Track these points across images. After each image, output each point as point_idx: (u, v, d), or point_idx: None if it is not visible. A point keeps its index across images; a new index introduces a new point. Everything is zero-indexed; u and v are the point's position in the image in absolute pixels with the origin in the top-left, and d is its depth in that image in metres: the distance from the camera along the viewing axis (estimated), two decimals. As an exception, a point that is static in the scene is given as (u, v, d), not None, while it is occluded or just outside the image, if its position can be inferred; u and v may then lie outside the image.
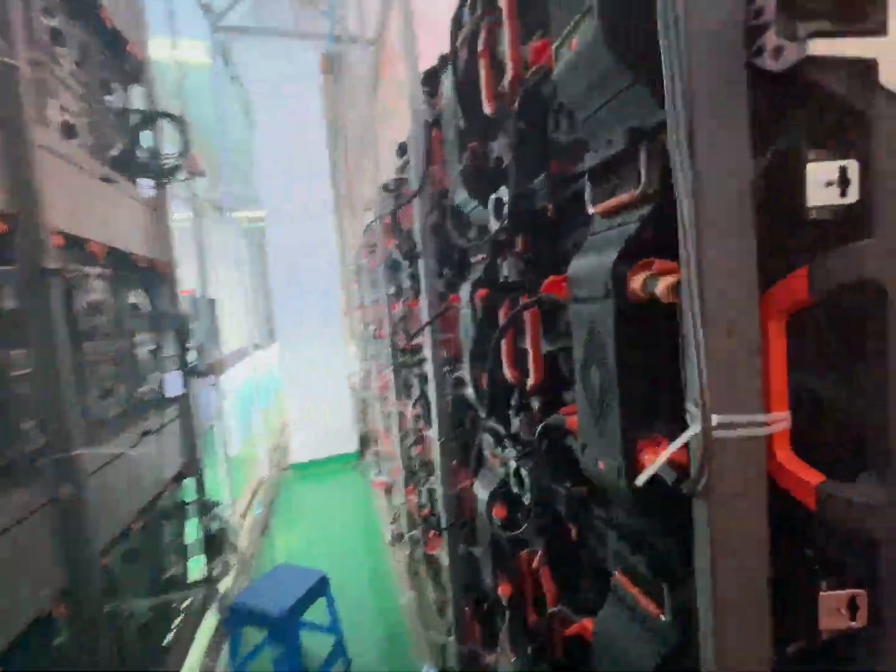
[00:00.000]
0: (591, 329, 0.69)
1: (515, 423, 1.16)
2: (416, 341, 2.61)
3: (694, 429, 0.43)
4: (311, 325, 5.51)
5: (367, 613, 2.93)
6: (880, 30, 0.35)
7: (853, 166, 0.38)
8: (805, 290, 0.40)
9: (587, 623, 0.84)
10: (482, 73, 1.09)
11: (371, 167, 3.34)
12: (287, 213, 5.38)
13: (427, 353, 1.75)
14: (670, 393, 0.62)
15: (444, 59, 1.58)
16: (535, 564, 1.08)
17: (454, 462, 1.81)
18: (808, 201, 0.38)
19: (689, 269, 0.41)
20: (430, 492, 2.45)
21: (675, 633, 0.66)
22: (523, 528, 1.02)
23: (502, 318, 1.15)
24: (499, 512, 1.31)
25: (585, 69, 0.66)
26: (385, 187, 3.04)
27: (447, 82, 1.34)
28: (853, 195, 0.37)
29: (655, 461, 0.53)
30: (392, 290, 3.12)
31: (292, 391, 5.57)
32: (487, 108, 1.09)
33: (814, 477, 0.40)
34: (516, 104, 0.88)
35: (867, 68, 0.36)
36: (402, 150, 2.39)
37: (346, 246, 6.69)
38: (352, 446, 5.83)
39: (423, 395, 2.46)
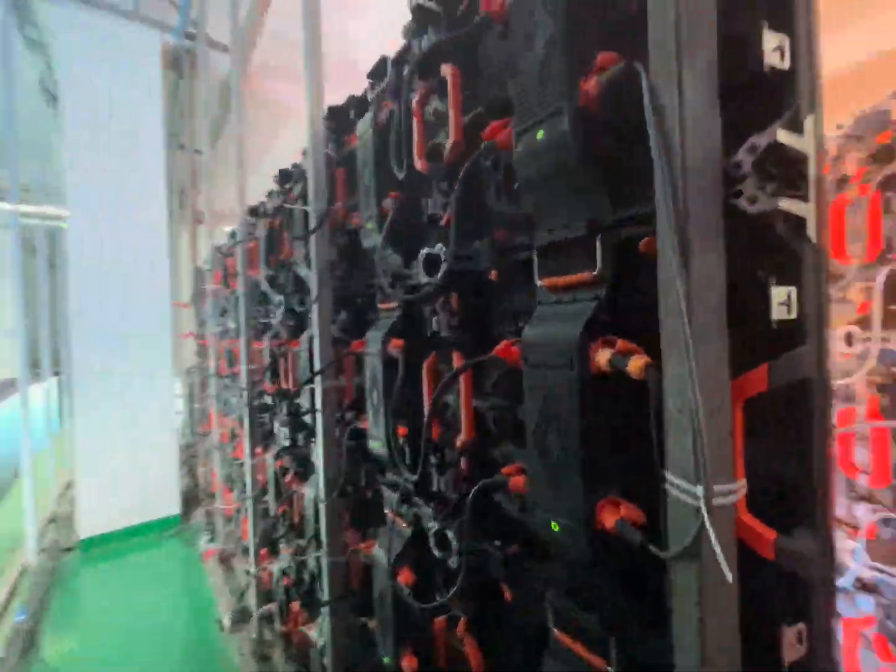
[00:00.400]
0: (550, 395, 0.74)
1: (436, 481, 1.12)
2: (280, 384, 2.34)
3: (691, 503, 0.49)
4: (125, 354, 4.42)
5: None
6: (807, 197, 0.50)
7: (794, 292, 0.51)
8: (765, 381, 0.51)
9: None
10: (415, 130, 1.11)
11: (234, 186, 2.97)
12: (101, 216, 4.33)
13: (317, 400, 1.58)
14: (625, 457, 0.69)
15: (355, 100, 1.56)
16: (459, 631, 1.03)
17: (343, 524, 1.64)
18: (772, 315, 0.50)
19: (686, 362, 0.48)
20: (300, 558, 2.15)
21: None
22: (451, 593, 0.97)
23: (426, 371, 1.13)
24: (406, 577, 1.22)
25: (548, 160, 0.73)
26: (254, 211, 2.75)
27: (364, 127, 1.31)
28: (794, 313, 0.51)
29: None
30: (253, 325, 2.77)
31: (87, 439, 4.29)
32: (419, 165, 1.11)
33: (770, 533, 0.50)
34: (463, 171, 0.92)
35: (800, 223, 0.50)
36: (285, 176, 2.22)
37: (181, 265, 5.71)
38: (172, 508, 4.74)
39: (294, 446, 2.20)
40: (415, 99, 1.10)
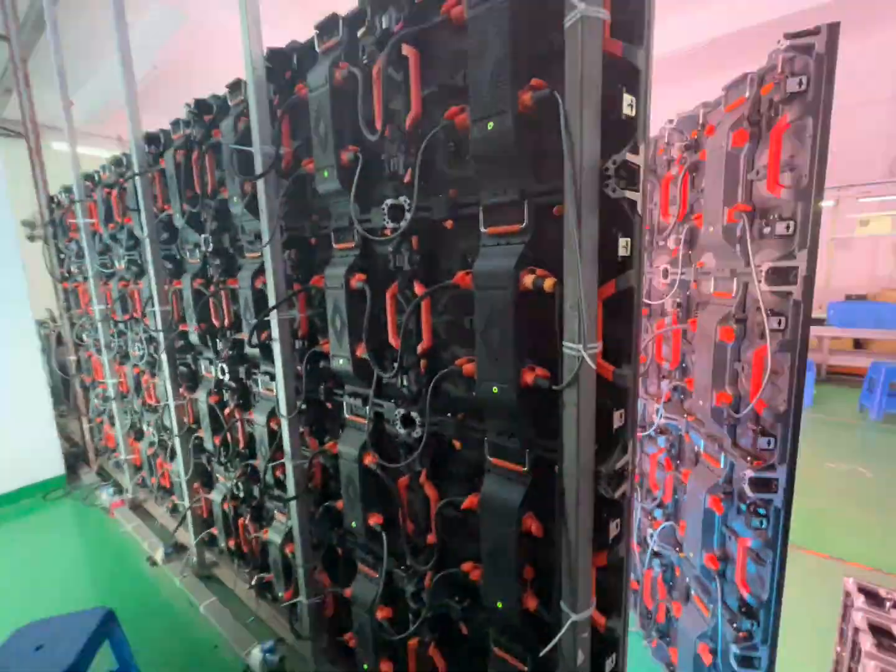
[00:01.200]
0: (493, 306, 1.13)
1: (401, 380, 1.48)
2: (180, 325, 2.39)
3: (577, 355, 0.93)
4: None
5: (158, 644, 2.49)
6: (638, 190, 0.93)
7: (629, 241, 0.95)
8: (613, 288, 0.96)
9: (473, 498, 1.30)
10: (375, 94, 1.32)
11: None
12: None
13: (275, 333, 1.76)
14: (537, 341, 1.13)
15: (299, 47, 1.63)
16: (421, 480, 1.46)
17: (302, 433, 1.92)
18: (619, 253, 0.94)
19: (578, 280, 0.90)
20: (251, 473, 2.38)
21: (530, 475, 1.20)
22: (415, 454, 1.37)
23: (389, 297, 1.44)
24: (371, 458, 1.60)
25: (495, 144, 1.07)
26: (154, 139, 2.54)
27: (318, 80, 1.45)
28: (628, 252, 0.95)
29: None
30: (164, 265, 2.64)
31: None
32: (378, 125, 1.34)
33: (611, 367, 0.98)
34: (426, 140, 1.19)
35: (633, 204, 0.93)
36: (203, 107, 2.13)
37: (20, 192, 4.68)
38: (55, 468, 4.32)
39: (236, 380, 2.33)
40: (375, 69, 1.30)
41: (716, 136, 1.56)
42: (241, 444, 2.38)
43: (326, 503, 1.88)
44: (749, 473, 1.43)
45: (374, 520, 1.64)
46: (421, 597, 1.55)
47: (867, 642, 1.59)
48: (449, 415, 1.39)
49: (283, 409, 1.83)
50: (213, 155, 2.14)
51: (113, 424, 3.94)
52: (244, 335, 2.08)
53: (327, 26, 1.47)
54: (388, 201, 1.33)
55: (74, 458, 4.75)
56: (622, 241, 0.96)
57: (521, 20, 0.97)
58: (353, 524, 1.71)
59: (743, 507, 1.51)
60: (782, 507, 1.40)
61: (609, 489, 1.01)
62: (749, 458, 1.48)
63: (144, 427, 3.56)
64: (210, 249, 2.21)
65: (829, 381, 7.33)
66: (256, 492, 2.37)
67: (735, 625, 1.58)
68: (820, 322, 7.23)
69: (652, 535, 2.17)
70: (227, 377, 2.33)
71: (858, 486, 4.08)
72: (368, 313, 1.42)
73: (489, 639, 1.37)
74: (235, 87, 1.90)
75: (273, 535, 2.19)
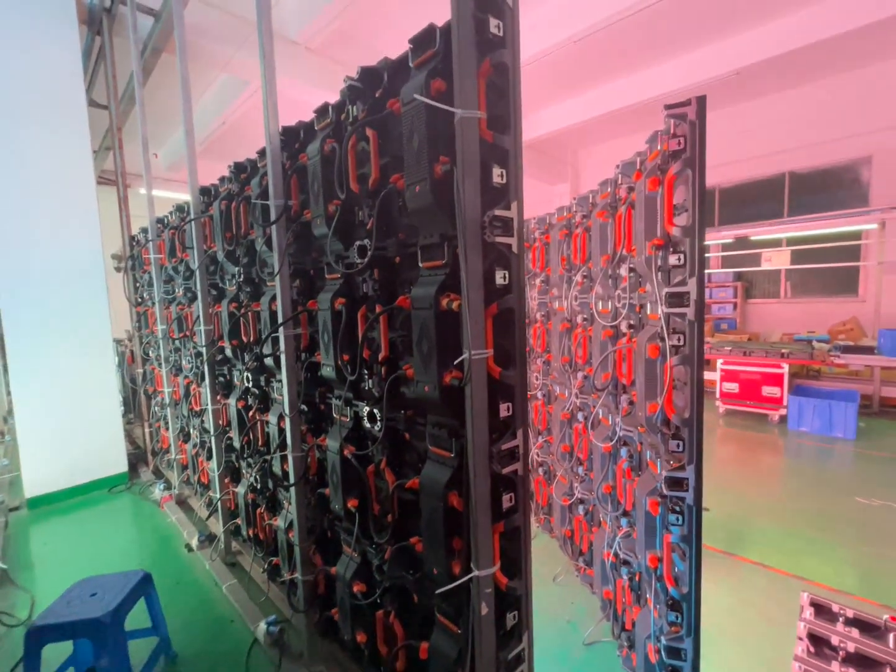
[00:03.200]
0: (422, 323, 1.46)
1: (368, 384, 1.82)
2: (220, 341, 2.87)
3: (473, 356, 1.24)
4: (62, 322, 4.54)
5: (185, 615, 2.91)
6: (512, 234, 1.24)
7: (506, 273, 1.26)
8: (496, 308, 1.26)
9: (415, 480, 1.59)
10: (349, 162, 1.74)
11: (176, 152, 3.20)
12: (24, 179, 4.30)
13: (280, 345, 2.19)
14: (452, 350, 1.44)
15: (305, 126, 2.11)
16: (382, 467, 1.77)
17: (303, 431, 2.30)
18: (496, 281, 1.25)
19: (465, 300, 1.22)
20: (267, 466, 2.79)
21: (456, 459, 1.49)
22: (376, 443, 1.70)
23: (360, 317, 1.82)
24: (349, 449, 1.94)
25: (421, 201, 1.42)
26: (206, 192, 3.14)
27: (314, 151, 1.90)
28: (506, 281, 1.26)
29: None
30: (209, 291, 3.21)
31: (28, 403, 4.42)
32: (352, 186, 1.74)
33: (497, 369, 1.27)
34: (380, 198, 1.58)
35: (509, 245, 1.24)
36: (240, 168, 2.68)
37: (108, 230, 5.65)
38: (120, 466, 5.02)
39: (259, 387, 2.78)
40: (350, 144, 1.72)
41: (640, 182, 1.83)
42: (261, 442, 2.80)
43: (319, 490, 2.22)
44: (664, 474, 1.61)
45: (351, 503, 1.96)
46: (383, 569, 1.83)
47: (799, 648, 1.67)
48: (402, 412, 1.71)
49: (286, 409, 2.23)
50: (245, 205, 2.67)
51: (167, 428, 4.57)
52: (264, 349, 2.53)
53: (322, 111, 1.93)
54: (357, 242, 1.72)
55: (136, 459, 5.47)
56: (499, 273, 1.27)
57: (432, 116, 1.33)
58: (336, 507, 2.04)
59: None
60: (693, 504, 1.57)
61: (499, 466, 1.28)
62: (670, 461, 1.66)
63: (191, 430, 4.13)
64: (242, 279, 2.71)
65: (883, 415, 6.79)
66: (271, 484, 2.76)
67: (667, 619, 1.71)
68: (869, 350, 6.79)
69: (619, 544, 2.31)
70: (250, 384, 2.78)
71: (886, 522, 3.84)
72: (343, 330, 1.79)
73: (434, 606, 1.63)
74: (262, 153, 2.42)
75: (280, 522, 2.56)
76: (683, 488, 1.57)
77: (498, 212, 1.23)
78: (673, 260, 1.53)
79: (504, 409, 1.31)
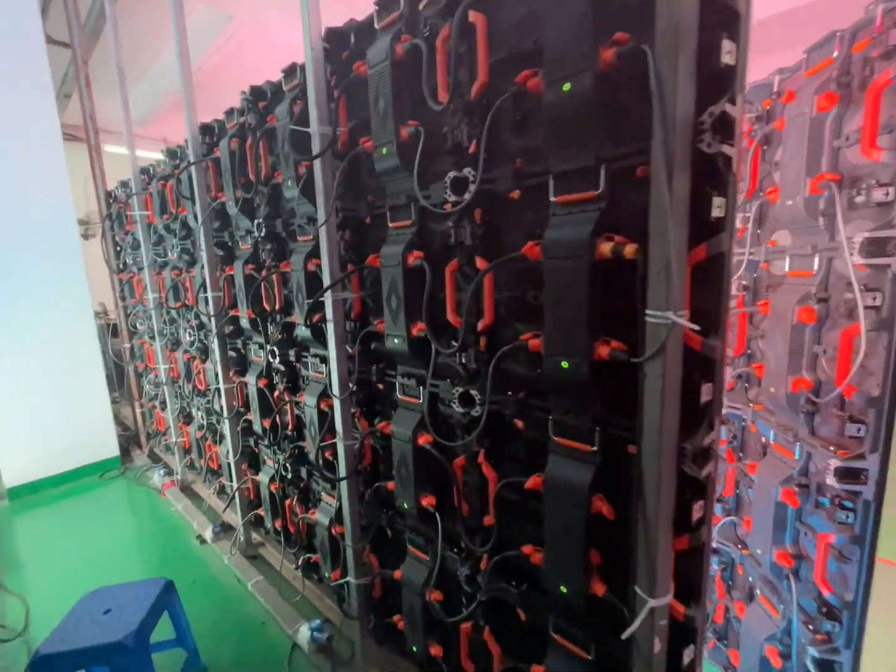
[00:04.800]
0: (565, 278, 1.08)
1: (460, 358, 1.46)
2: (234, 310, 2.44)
3: (664, 322, 0.88)
4: (34, 294, 3.96)
5: (209, 617, 2.59)
6: (734, 145, 0.87)
7: (723, 201, 0.89)
8: (704, 253, 0.90)
9: (537, 479, 1.26)
10: (439, 65, 1.30)
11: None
12: None
13: (329, 314, 1.78)
14: (610, 312, 1.08)
15: (357, 25, 1.63)
16: (480, 459, 1.43)
17: (353, 414, 1.93)
18: (712, 213, 0.88)
19: (666, 243, 0.85)
20: (299, 454, 2.43)
21: (599, 455, 1.15)
22: (474, 434, 1.35)
23: (448, 274, 1.42)
24: (425, 438, 1.59)
25: (573, 105, 1.02)
26: (208, 130, 2.61)
27: (379, 55, 1.44)
28: (723, 213, 0.89)
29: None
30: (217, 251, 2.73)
31: (2, 386, 3.89)
32: (441, 97, 1.31)
33: (698, 337, 0.93)
34: (494, 108, 1.16)
35: (728, 160, 0.87)
36: (258, 94, 2.17)
37: (84, 188, 4.96)
38: (111, 450, 4.57)
39: (286, 363, 2.38)
40: (440, 39, 1.28)
41: (796, 103, 1.45)
42: (290, 427, 2.43)
43: (377, 484, 1.88)
44: (834, 463, 1.32)
45: (427, 501, 1.63)
46: (476, 580, 1.53)
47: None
48: (510, 393, 1.36)
49: (335, 390, 1.85)
50: (266, 141, 2.18)
51: (164, 409, 4.12)
52: (295, 318, 2.11)
53: (387, 2, 1.45)
54: (451, 174, 1.31)
55: (127, 442, 5.01)
56: (716, 201, 0.89)
57: (604, -30, 0.92)
58: (405, 505, 1.70)
59: (824, 500, 1.41)
60: (873, 500, 1.30)
61: (695, 467, 0.95)
62: (833, 448, 1.37)
63: (193, 411, 3.70)
64: (262, 234, 2.25)
65: None
66: (304, 473, 2.41)
67: (812, 626, 1.47)
68: None
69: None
70: (276, 360, 2.37)
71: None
72: (428, 291, 1.40)
73: (549, 625, 1.34)
74: (291, 72, 1.92)
75: (321, 517, 2.23)
76: (860, 481, 1.29)
77: (718, 108, 0.84)
78: (878, 195, 1.18)
79: (705, 392, 0.97)
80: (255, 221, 2.28)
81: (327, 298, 1.77)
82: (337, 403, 1.86)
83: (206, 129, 2.62)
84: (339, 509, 2.12)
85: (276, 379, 2.47)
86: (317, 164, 1.69)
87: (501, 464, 1.43)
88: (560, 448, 1.23)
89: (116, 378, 6.18)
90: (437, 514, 1.59)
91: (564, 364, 1.12)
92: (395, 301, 1.55)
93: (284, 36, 5.71)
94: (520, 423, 1.34)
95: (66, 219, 4.15)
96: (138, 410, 4.85)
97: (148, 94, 8.50)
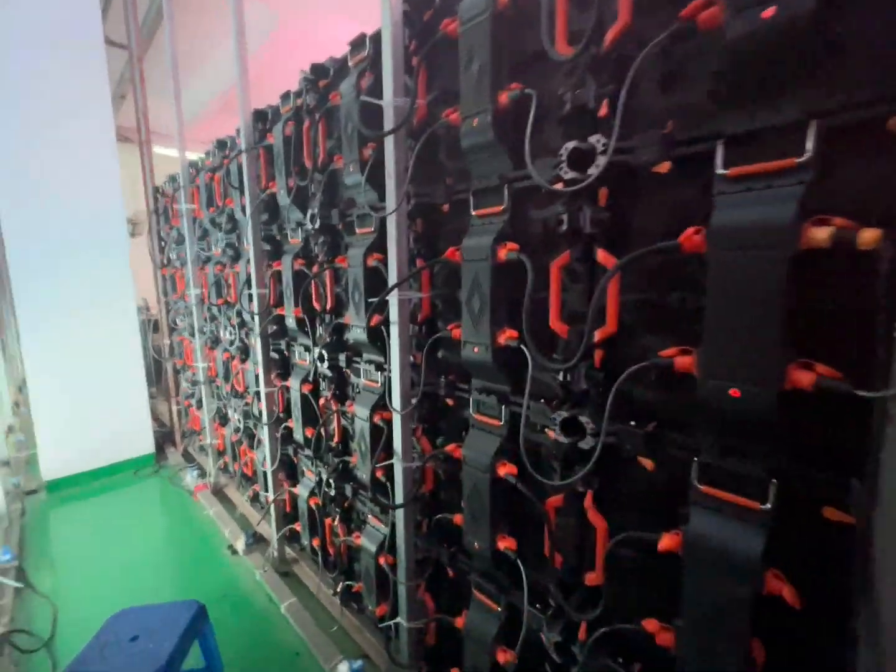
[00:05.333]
0: (748, 275, 0.80)
1: (562, 377, 1.18)
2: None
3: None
4: (79, 289, 3.95)
5: (239, 641, 2.39)
6: None
7: None
8: None
9: (674, 538, 0.97)
10: (559, 10, 1.04)
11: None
12: (31, 128, 3.65)
13: (393, 315, 1.54)
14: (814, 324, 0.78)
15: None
16: (586, 504, 1.14)
17: (417, 433, 1.68)
18: None
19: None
20: (343, 470, 2.20)
21: (775, 518, 0.85)
22: (585, 470, 1.06)
23: (554, 270, 1.15)
24: (508, 469, 1.32)
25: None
26: (261, 116, 2.46)
27: (475, 7, 1.20)
28: None
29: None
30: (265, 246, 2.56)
31: (42, 380, 3.88)
32: (560, 49, 1.06)
33: None
34: (639, 58, 0.89)
35: None
36: (320, 72, 1.98)
37: (133, 189, 5.00)
38: (146, 447, 4.51)
39: (335, 368, 2.16)
40: (562, -25, 1.02)
41: None
42: (336, 439, 2.20)
43: (439, 516, 1.62)
44: None
45: (505, 543, 1.36)
46: (570, 650, 1.23)
47: None
48: (633, 423, 1.07)
49: (395, 403, 1.61)
50: (325, 123, 1.98)
51: (200, 408, 4.02)
52: (348, 319, 1.89)
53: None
54: (570, 144, 1.04)
55: (162, 439, 4.95)
56: None
57: None
58: (476, 545, 1.43)
59: None
60: None
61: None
62: None
63: (230, 413, 3.56)
64: (317, 226, 2.05)
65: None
66: (349, 491, 2.17)
67: None
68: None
69: None
70: (324, 365, 2.16)
71: None
72: (530, 291, 1.13)
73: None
74: (359, 43, 1.71)
75: (367, 542, 1.98)
76: None
77: None
78: None
79: None
80: (309, 212, 2.08)
81: (392, 298, 1.53)
82: (396, 419, 1.62)
83: (259, 116, 2.46)
84: (389, 537, 1.87)
85: (323, 385, 2.25)
86: (388, 142, 1.47)
87: (614, 510, 1.14)
88: (709, 500, 0.93)
89: (154, 374, 6.21)
90: (518, 562, 1.31)
91: (735, 392, 0.83)
92: (479, 303, 1.29)
93: (332, 34, 5.68)
94: (648, 463, 1.04)
95: (115, 215, 4.13)
96: (174, 408, 4.79)
97: (194, 99, 8.72)
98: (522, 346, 1.21)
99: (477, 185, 1.33)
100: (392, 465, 1.68)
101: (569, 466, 1.18)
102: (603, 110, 1.00)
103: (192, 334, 3.87)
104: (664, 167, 0.94)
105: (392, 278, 1.53)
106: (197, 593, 2.74)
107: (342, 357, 2.09)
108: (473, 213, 1.36)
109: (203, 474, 3.98)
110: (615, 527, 1.12)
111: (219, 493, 3.85)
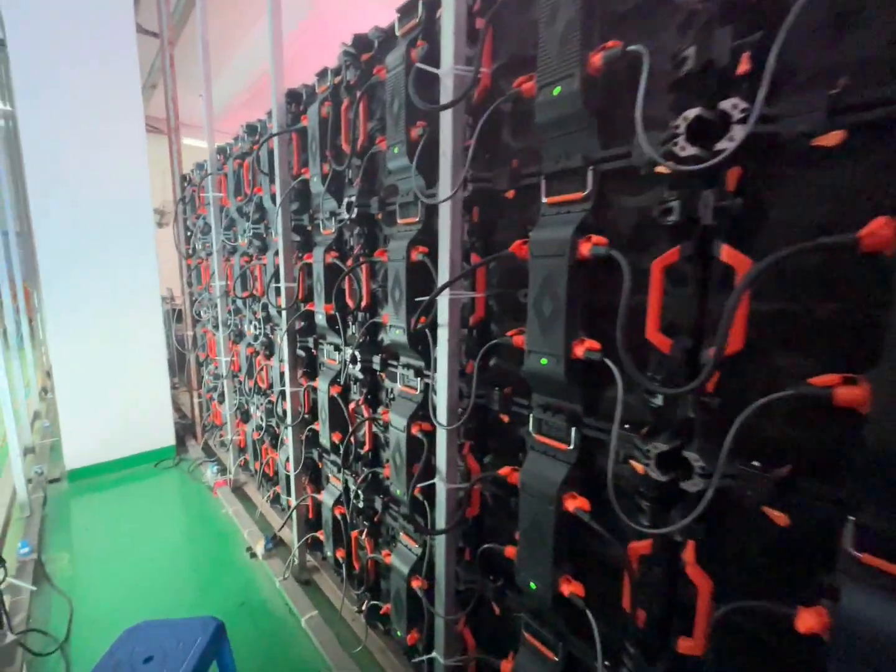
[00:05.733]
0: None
1: (653, 400, 0.98)
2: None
3: None
4: (105, 277, 3.89)
5: (258, 655, 2.26)
6: None
7: None
8: None
9: (817, 615, 0.75)
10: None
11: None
12: (62, 116, 3.59)
13: (443, 316, 1.36)
14: None
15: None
16: (685, 556, 0.94)
17: (464, 450, 1.49)
18: None
19: None
20: (371, 480, 2.04)
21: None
22: (689, 518, 0.86)
23: (657, 270, 0.95)
24: (580, 503, 1.12)
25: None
26: (295, 96, 2.30)
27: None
28: None
29: None
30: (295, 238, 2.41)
31: (67, 368, 3.84)
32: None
33: None
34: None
35: None
36: (364, 44, 1.80)
37: (162, 179, 4.95)
38: (167, 439, 4.46)
39: (368, 371, 1.99)
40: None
41: None
42: (366, 447, 2.04)
43: (487, 545, 1.43)
44: None
45: (571, 588, 1.16)
46: (653, 725, 1.03)
47: None
48: (756, 463, 0.86)
49: (440, 416, 1.42)
50: (367, 101, 1.80)
51: (221, 402, 3.92)
52: (386, 318, 1.71)
53: None
54: (693, 112, 0.83)
55: (183, 431, 4.91)
56: None
57: None
58: (532, 585, 1.24)
59: None
60: None
61: None
62: None
63: (252, 409, 3.45)
64: (353, 216, 1.88)
65: None
66: (378, 504, 2.01)
67: None
68: None
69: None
70: (356, 367, 1.99)
71: None
72: (627, 295, 0.93)
73: None
74: (409, 9, 1.52)
75: (398, 562, 1.81)
76: None
77: None
78: None
79: None
80: (345, 200, 1.91)
81: (442, 298, 1.35)
82: (441, 434, 1.43)
83: (293, 97, 2.30)
84: (424, 558, 1.70)
85: (354, 389, 2.09)
86: (445, 118, 1.27)
87: (723, 568, 0.93)
88: (867, 573, 0.72)
89: (177, 364, 6.20)
90: (587, 611, 1.12)
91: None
92: (551, 306, 1.09)
93: (365, 19, 5.50)
94: (780, 517, 0.83)
95: (143, 207, 4.06)
96: (196, 400, 4.72)
97: (223, 90, 8.70)
98: (607, 361, 1.01)
99: (551, 166, 1.13)
100: (432, 484, 1.50)
101: (663, 509, 0.97)
102: (743, 66, 0.78)
103: (216, 327, 3.78)
104: (832, 138, 0.71)
105: (443, 275, 1.34)
106: (215, 598, 2.63)
107: (376, 359, 1.91)
108: (545, 200, 1.16)
109: (223, 470, 3.89)
110: (723, 588, 0.91)
111: (238, 490, 3.75)
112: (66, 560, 2.95)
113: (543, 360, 1.14)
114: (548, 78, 1.06)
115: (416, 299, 1.48)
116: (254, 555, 2.93)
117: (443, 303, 1.34)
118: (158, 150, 4.73)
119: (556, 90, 1.04)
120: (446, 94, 1.27)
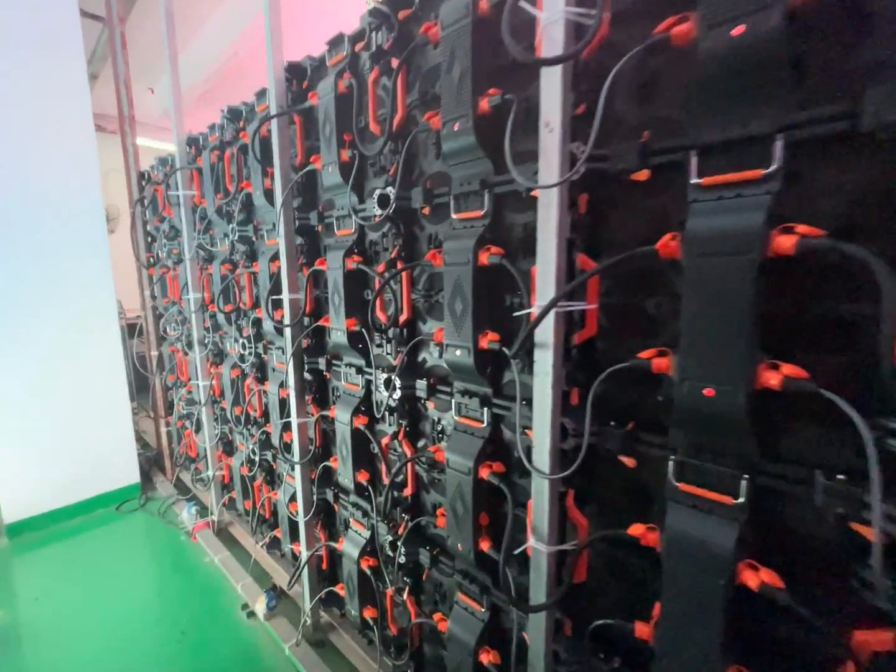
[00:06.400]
0: None
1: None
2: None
3: None
4: (52, 289, 3.30)
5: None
6: None
7: None
8: None
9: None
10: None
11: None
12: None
13: (546, 334, 1.04)
14: None
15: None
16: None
17: (566, 501, 1.19)
18: None
19: None
20: (416, 530, 1.69)
21: None
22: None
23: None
24: (763, 576, 0.85)
25: None
26: (296, 69, 1.93)
27: None
28: None
29: None
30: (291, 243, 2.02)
31: (8, 392, 3.20)
32: None
33: None
34: None
35: None
36: (381, 17, 1.46)
37: (105, 180, 4.32)
38: (131, 476, 3.86)
39: (410, 401, 1.65)
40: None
41: None
42: (408, 490, 1.69)
43: (598, 622, 1.13)
44: None
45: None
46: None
47: None
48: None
49: (539, 461, 1.11)
50: (405, 75, 1.47)
51: (198, 432, 3.41)
52: (441, 336, 1.38)
53: None
54: None
55: (148, 464, 4.30)
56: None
57: None
58: (684, 678, 0.95)
59: None
60: None
61: None
62: None
63: (238, 440, 2.98)
64: (390, 211, 1.52)
65: None
66: (426, 559, 1.66)
67: None
68: None
69: None
70: (394, 396, 1.64)
71: None
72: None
73: None
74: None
75: (458, 631, 1.48)
76: None
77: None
78: None
79: None
80: (376, 193, 1.56)
81: (550, 316, 1.04)
82: (541, 484, 1.12)
83: (294, 71, 1.92)
84: (492, 626, 1.39)
85: (390, 420, 1.74)
86: (551, 79, 0.97)
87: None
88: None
89: (136, 387, 5.50)
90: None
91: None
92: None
93: (333, 12, 5.07)
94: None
95: (93, 206, 3.49)
96: (164, 429, 4.14)
97: (169, 91, 7.95)
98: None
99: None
100: (526, 545, 1.19)
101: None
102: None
103: (189, 346, 3.27)
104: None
105: (544, 282, 1.04)
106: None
107: (422, 385, 1.58)
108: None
109: (203, 511, 3.38)
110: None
111: (222, 532, 3.26)
112: (13, 639, 2.39)
113: (726, 392, 0.86)
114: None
115: (515, 314, 1.16)
116: (251, 614, 2.49)
117: (549, 320, 1.04)
118: (101, 148, 4.13)
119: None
120: (551, 46, 0.97)
